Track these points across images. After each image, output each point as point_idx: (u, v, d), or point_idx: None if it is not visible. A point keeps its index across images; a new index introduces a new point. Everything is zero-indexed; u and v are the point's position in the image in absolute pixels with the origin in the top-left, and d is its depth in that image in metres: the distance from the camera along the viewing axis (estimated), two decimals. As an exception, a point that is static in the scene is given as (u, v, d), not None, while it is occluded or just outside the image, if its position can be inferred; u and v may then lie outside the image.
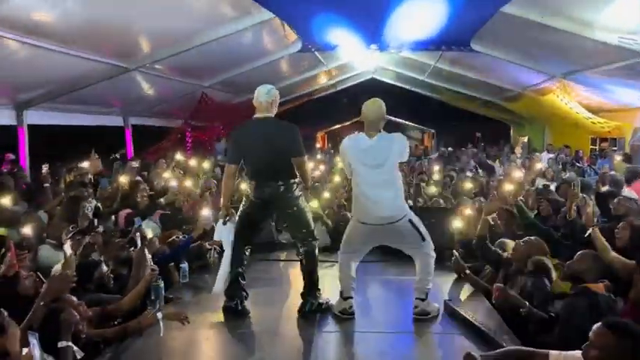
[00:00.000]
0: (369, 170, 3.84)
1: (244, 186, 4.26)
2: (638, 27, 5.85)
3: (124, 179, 6.59)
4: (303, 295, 4.12)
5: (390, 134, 3.93)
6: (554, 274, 3.87)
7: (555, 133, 14.83)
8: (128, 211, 5.66)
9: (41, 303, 2.92)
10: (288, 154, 3.99)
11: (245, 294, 4.14)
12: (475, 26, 7.80)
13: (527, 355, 2.74)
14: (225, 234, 4.17)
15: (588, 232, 4.01)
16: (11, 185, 6.43)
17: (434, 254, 4.07)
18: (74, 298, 3.10)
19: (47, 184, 6.10)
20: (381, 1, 6.95)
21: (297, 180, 4.06)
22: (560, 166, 10.19)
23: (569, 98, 10.57)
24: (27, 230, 4.28)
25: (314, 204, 6.11)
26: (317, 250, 4.18)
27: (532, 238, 4.24)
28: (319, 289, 4.15)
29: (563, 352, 2.58)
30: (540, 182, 8.10)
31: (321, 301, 4.11)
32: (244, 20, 7.24)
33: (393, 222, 3.86)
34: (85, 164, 7.80)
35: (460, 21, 7.46)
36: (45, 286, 3.06)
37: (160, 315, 3.52)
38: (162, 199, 5.92)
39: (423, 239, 3.99)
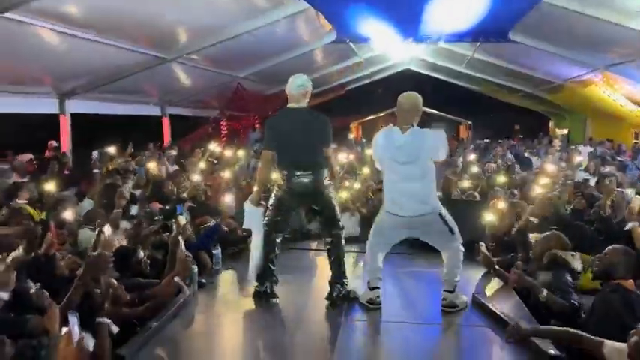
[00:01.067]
0: (400, 166, 3.82)
1: (275, 176, 4.31)
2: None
3: (151, 165, 6.68)
4: (330, 282, 4.18)
5: (424, 130, 3.86)
6: (578, 266, 3.80)
7: (597, 125, 14.38)
8: (159, 205, 5.78)
9: (80, 282, 3.03)
10: (318, 145, 4.02)
11: (275, 279, 4.24)
12: (514, 18, 7.64)
13: (579, 340, 2.76)
14: (255, 221, 4.22)
15: (628, 226, 3.88)
16: (56, 171, 6.68)
17: (462, 248, 4.04)
18: (114, 281, 3.22)
19: (97, 171, 6.24)
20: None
21: (326, 170, 4.11)
22: (600, 160, 9.88)
23: (612, 90, 10.24)
24: (68, 215, 4.46)
25: (343, 195, 6.15)
26: (344, 239, 4.23)
27: (550, 232, 4.17)
28: (346, 278, 4.19)
29: (617, 343, 2.58)
30: (582, 176, 7.91)
31: (348, 289, 4.16)
32: (279, 11, 7.30)
33: (422, 215, 3.85)
34: (111, 150, 7.90)
35: (499, 13, 7.31)
36: (83, 266, 3.16)
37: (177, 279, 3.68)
38: (185, 194, 6.01)
39: (452, 233, 3.96)
